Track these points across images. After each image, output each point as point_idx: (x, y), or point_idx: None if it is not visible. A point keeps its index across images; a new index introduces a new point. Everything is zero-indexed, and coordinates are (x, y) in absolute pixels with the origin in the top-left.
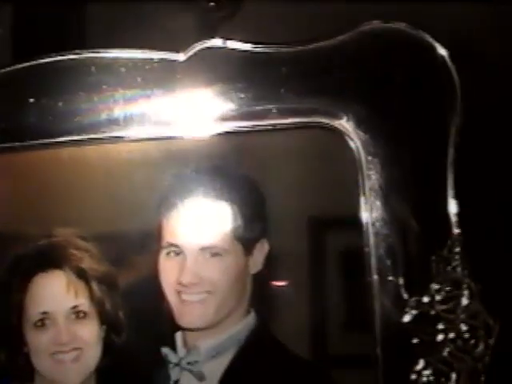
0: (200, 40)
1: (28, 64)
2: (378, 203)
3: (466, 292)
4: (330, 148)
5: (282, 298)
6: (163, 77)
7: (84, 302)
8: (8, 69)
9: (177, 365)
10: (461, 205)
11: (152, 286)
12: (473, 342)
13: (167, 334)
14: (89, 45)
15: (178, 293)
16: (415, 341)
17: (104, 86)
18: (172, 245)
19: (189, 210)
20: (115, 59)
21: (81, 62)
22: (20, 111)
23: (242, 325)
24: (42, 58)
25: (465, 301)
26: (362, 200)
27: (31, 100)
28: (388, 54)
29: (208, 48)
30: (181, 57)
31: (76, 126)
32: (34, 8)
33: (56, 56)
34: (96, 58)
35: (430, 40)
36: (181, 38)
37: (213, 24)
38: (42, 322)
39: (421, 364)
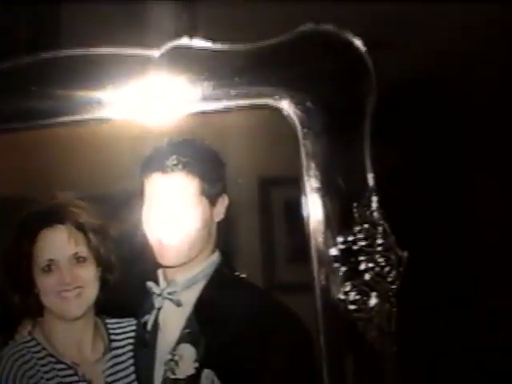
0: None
1: (31, 59)
2: (312, 164)
3: (380, 231)
4: (274, 124)
5: (239, 240)
6: (142, 69)
7: (83, 249)
8: (15, 62)
9: (159, 295)
10: (375, 167)
11: (137, 234)
12: (387, 269)
13: (151, 271)
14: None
15: (159, 238)
16: (343, 269)
17: (95, 76)
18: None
19: (165, 172)
20: (102, 55)
21: (76, 58)
22: (24, 97)
23: (209, 261)
24: (43, 54)
25: (380, 238)
26: (300, 162)
27: (33, 88)
28: (319, 49)
29: (177, 47)
30: (156, 53)
31: (71, 109)
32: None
33: (54, 53)
34: (88, 54)
35: (351, 37)
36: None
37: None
38: (49, 267)
39: (348, 287)
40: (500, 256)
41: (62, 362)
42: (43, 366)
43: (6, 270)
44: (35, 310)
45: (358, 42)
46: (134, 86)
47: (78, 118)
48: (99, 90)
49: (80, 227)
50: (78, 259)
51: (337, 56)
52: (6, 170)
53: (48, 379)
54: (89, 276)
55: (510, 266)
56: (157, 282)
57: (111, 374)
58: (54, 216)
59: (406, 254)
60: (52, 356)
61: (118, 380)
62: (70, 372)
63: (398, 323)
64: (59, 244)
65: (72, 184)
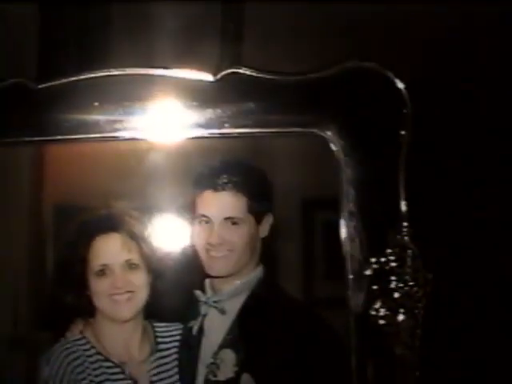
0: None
1: (94, 74)
2: (351, 190)
3: (410, 254)
4: (319, 150)
5: (283, 255)
6: (198, 92)
7: (135, 257)
8: (75, 78)
9: (205, 303)
10: (407, 195)
11: (187, 246)
12: (415, 289)
13: (199, 280)
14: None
15: (207, 250)
16: (374, 287)
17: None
18: (203, 215)
19: (216, 190)
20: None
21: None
22: (85, 111)
23: (253, 274)
24: (102, 72)
25: (409, 260)
26: (341, 187)
27: (96, 103)
28: (361, 84)
29: (233, 73)
30: (210, 78)
31: (127, 126)
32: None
33: (107, 71)
34: (140, 74)
35: (391, 75)
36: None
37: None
38: (102, 272)
39: (378, 304)
40: None
41: (109, 361)
42: (92, 363)
43: (62, 272)
44: (87, 310)
45: (397, 80)
46: (187, 107)
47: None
48: (156, 108)
49: (133, 236)
50: (131, 266)
51: (377, 92)
52: (65, 181)
53: (96, 376)
54: (140, 282)
55: None
56: (204, 290)
57: (156, 374)
58: (109, 224)
59: (430, 276)
60: (101, 354)
61: (162, 380)
62: (117, 370)
63: (423, 339)
64: (113, 250)
65: (127, 195)
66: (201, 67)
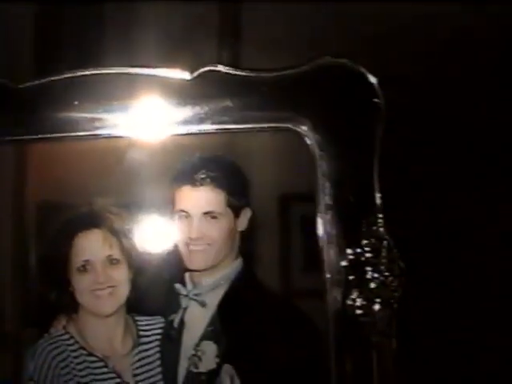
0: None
1: (74, 73)
2: (327, 184)
3: (385, 245)
4: (294, 146)
5: (261, 248)
6: (174, 90)
7: (116, 252)
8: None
9: (186, 296)
10: (381, 188)
11: (167, 240)
12: (390, 278)
13: (179, 274)
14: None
15: (187, 244)
16: (351, 277)
17: (132, 93)
18: (183, 211)
19: (194, 185)
20: (139, 74)
21: (119, 75)
22: (65, 110)
23: (232, 267)
24: (86, 71)
25: (384, 251)
26: (316, 181)
27: (75, 102)
28: (335, 80)
29: (209, 71)
30: (187, 76)
31: (107, 124)
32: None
33: (95, 69)
34: (119, 73)
35: (364, 71)
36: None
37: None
38: (84, 268)
39: (355, 294)
40: (497, 265)
41: (93, 355)
42: (75, 357)
43: (45, 269)
44: (70, 306)
45: (370, 75)
46: (166, 104)
47: (114, 132)
48: (136, 106)
49: (114, 232)
50: (112, 261)
51: (350, 87)
52: (47, 179)
53: (80, 370)
54: (121, 277)
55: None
56: (184, 284)
57: (139, 367)
58: (90, 220)
59: (405, 265)
60: (84, 349)
61: (144, 372)
62: (101, 364)
63: (398, 327)
64: (94, 246)
65: (107, 192)
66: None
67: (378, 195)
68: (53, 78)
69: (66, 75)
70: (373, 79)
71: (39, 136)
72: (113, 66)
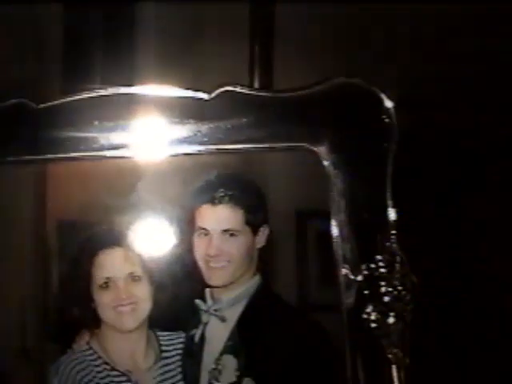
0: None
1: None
2: (342, 201)
3: (398, 260)
4: (310, 164)
5: (278, 264)
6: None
7: (138, 269)
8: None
9: (206, 311)
10: (395, 204)
11: (187, 257)
12: (403, 293)
13: (199, 290)
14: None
15: (207, 261)
16: (366, 292)
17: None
18: (202, 228)
19: (214, 204)
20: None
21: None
22: (85, 130)
23: (250, 283)
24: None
25: (398, 266)
26: (331, 198)
27: (95, 122)
28: (349, 100)
29: (228, 91)
30: (205, 96)
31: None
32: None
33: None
34: (137, 93)
35: (378, 92)
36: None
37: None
38: (106, 285)
39: (370, 308)
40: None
41: (116, 370)
42: (99, 372)
43: (67, 286)
44: (93, 322)
45: (383, 95)
46: (185, 125)
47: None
48: (153, 126)
49: (135, 249)
50: (133, 278)
51: (363, 107)
52: (67, 197)
53: None
54: (142, 293)
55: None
56: (204, 299)
57: (161, 381)
58: (111, 238)
59: (418, 280)
60: (107, 364)
61: None
62: (124, 378)
63: (412, 339)
64: (116, 264)
65: (127, 210)
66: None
67: (391, 212)
68: (72, 98)
69: (85, 95)
70: (386, 99)
71: (58, 156)
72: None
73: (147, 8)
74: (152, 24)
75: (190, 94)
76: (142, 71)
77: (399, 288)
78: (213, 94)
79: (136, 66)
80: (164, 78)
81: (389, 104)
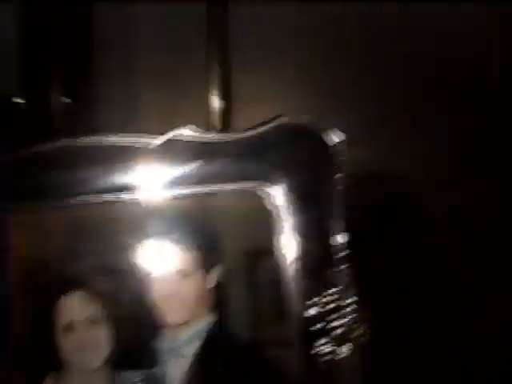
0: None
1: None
2: (293, 237)
3: (350, 293)
4: (259, 202)
5: (230, 302)
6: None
7: (97, 313)
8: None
9: (165, 349)
10: (346, 240)
11: (146, 298)
12: (355, 326)
13: (157, 329)
14: None
15: (163, 302)
16: (318, 326)
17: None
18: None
19: (167, 247)
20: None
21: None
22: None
23: (205, 321)
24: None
25: (350, 299)
26: (281, 236)
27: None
28: (295, 139)
29: (172, 138)
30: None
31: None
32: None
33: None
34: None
35: (322, 130)
36: None
37: None
38: (68, 327)
39: (321, 341)
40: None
41: None
42: None
43: (31, 330)
44: (58, 364)
45: (331, 133)
46: (136, 171)
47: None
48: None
49: (95, 292)
50: (93, 321)
51: (310, 145)
52: (27, 247)
53: None
54: (103, 335)
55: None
56: (163, 338)
57: None
58: (71, 282)
59: (369, 313)
60: None
61: None
62: None
63: (365, 370)
64: (76, 308)
65: (87, 253)
66: None
67: (342, 246)
68: (58, 145)
69: (68, 142)
70: (333, 137)
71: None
72: None
73: None
74: None
75: (138, 140)
76: None
77: (350, 321)
78: (158, 142)
79: None
80: None
81: (336, 141)
